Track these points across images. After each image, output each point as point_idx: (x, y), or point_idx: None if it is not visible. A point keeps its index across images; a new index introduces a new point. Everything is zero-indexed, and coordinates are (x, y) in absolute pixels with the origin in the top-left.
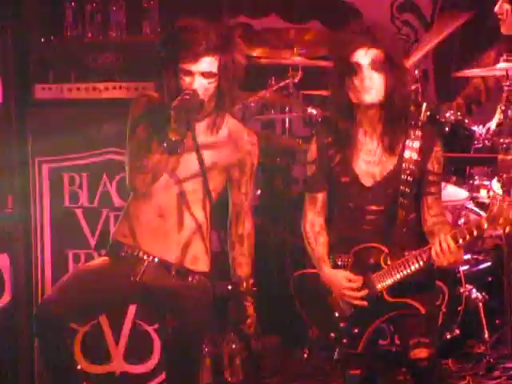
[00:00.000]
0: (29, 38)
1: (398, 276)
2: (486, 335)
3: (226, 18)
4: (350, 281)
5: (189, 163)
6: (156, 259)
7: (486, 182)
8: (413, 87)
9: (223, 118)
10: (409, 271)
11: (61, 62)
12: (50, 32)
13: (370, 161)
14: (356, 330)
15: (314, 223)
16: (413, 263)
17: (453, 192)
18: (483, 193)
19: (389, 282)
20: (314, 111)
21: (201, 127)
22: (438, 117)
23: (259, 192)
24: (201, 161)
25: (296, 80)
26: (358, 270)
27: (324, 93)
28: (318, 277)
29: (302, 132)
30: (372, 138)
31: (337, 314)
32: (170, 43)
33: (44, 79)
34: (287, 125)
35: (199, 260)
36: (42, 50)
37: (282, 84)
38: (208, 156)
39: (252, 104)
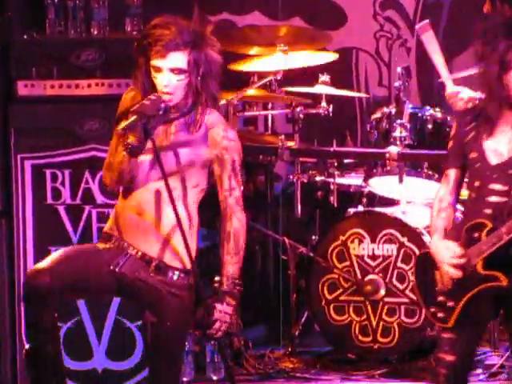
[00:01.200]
0: (11, 35)
1: (493, 249)
2: None
3: (197, 14)
4: (454, 253)
5: (166, 161)
6: (139, 252)
7: (467, 180)
8: (396, 84)
9: (203, 116)
10: (501, 243)
11: (43, 59)
12: (33, 28)
13: (499, 140)
14: (450, 304)
15: (442, 199)
16: (505, 235)
17: (436, 189)
18: (464, 191)
19: (484, 254)
20: (297, 108)
21: (179, 125)
22: (419, 114)
23: (241, 189)
24: (161, 166)
25: (278, 77)
26: (464, 245)
27: (305, 89)
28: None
29: (285, 129)
30: (505, 117)
31: (438, 288)
32: (143, 41)
33: (26, 76)
34: (270, 122)
35: (179, 257)
36: (25, 46)
37: (264, 81)
38: (184, 154)
39: (235, 101)
